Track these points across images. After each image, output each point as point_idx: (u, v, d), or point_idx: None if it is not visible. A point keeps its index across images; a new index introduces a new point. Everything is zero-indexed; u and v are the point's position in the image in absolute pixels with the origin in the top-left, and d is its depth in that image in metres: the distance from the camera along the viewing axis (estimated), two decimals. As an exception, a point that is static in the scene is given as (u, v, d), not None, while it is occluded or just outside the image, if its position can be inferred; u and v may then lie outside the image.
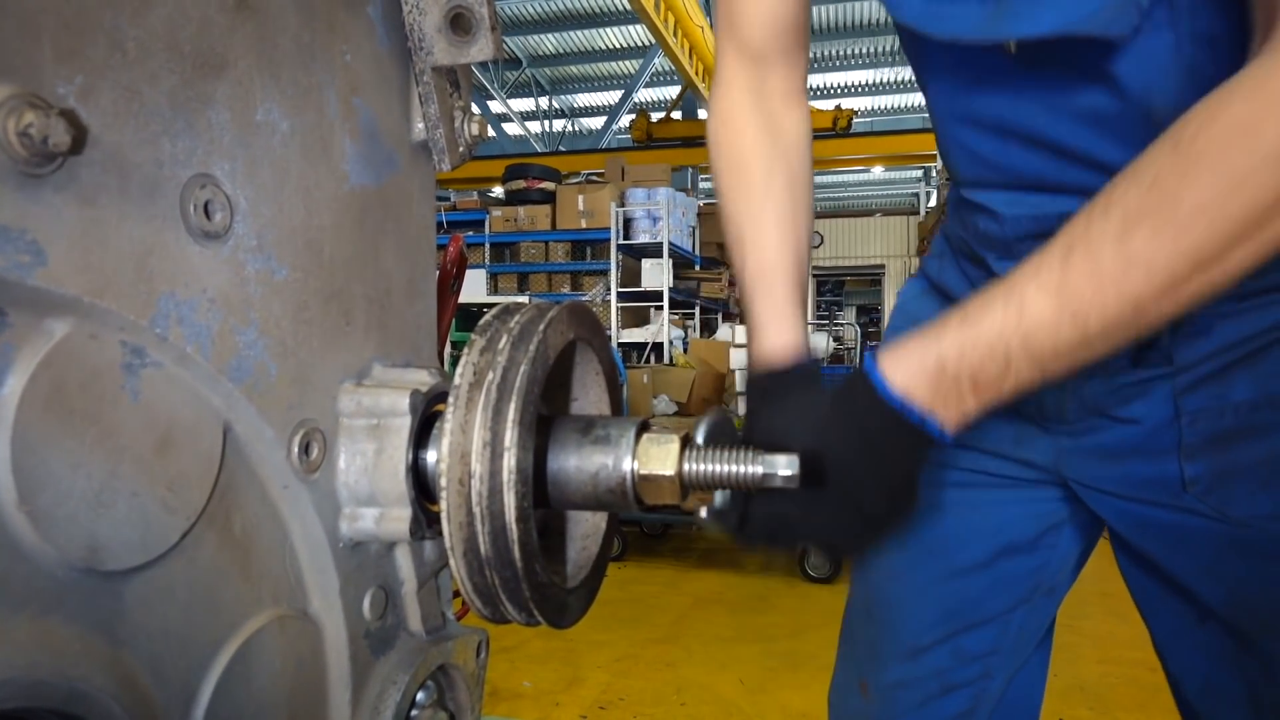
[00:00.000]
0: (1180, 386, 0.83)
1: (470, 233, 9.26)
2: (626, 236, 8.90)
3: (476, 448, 0.55)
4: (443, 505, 0.56)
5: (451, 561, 0.57)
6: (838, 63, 14.65)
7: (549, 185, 9.46)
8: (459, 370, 0.57)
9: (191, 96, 0.48)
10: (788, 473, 0.62)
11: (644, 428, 0.66)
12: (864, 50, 14.24)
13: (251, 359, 0.53)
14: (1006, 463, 0.99)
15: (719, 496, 0.71)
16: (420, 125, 0.70)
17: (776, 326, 0.91)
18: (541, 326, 0.60)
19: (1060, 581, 1.04)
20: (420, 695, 0.69)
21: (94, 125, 0.42)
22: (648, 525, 5.63)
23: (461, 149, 0.72)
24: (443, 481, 0.55)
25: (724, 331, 9.20)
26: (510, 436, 0.55)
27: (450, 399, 0.57)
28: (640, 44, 14.29)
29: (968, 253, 0.96)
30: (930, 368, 0.67)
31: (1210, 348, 0.81)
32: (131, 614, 0.46)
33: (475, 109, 0.75)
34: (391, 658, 0.66)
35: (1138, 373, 0.85)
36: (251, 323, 0.53)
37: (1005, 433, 0.97)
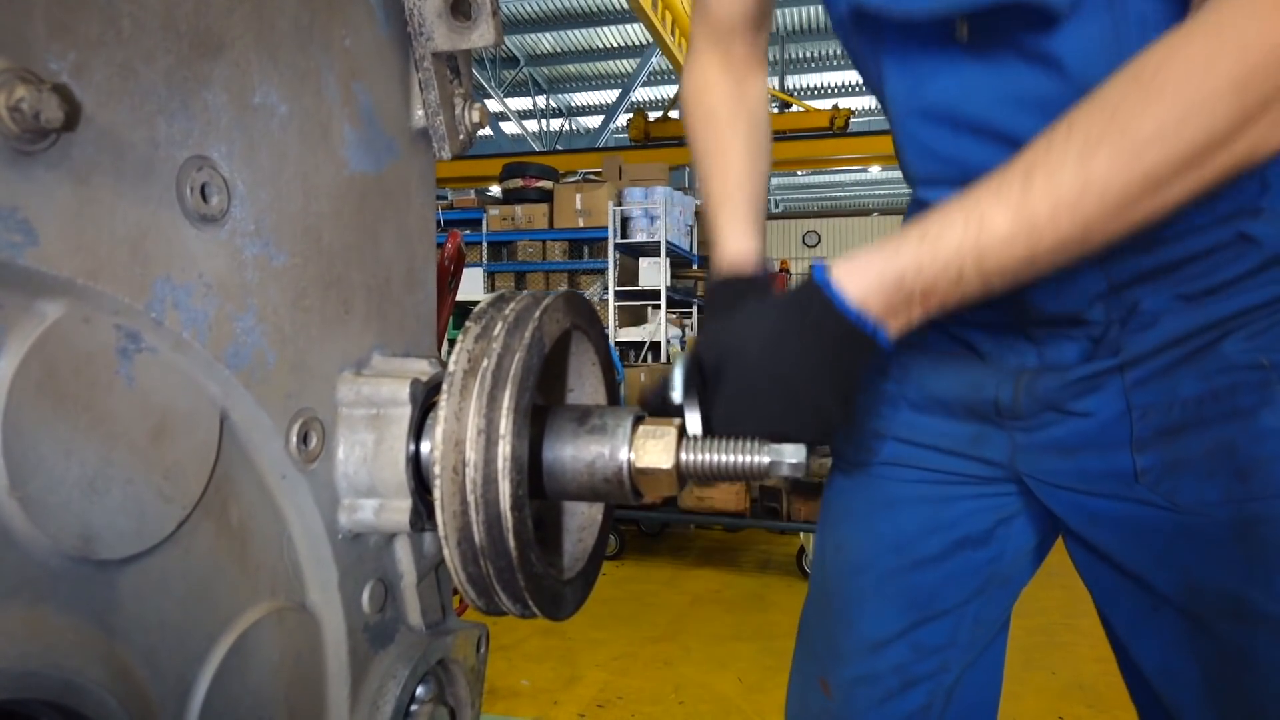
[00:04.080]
0: (1130, 382, 0.87)
1: (467, 232, 9.23)
2: (624, 235, 8.89)
3: (471, 435, 0.54)
4: (436, 493, 0.55)
5: (445, 551, 0.56)
6: (835, 62, 14.64)
7: (546, 184, 9.44)
8: (453, 357, 0.57)
9: (188, 76, 0.47)
10: (794, 460, 0.61)
11: (640, 418, 0.65)
12: (861, 50, 14.22)
13: (249, 346, 0.52)
14: (965, 461, 1.02)
15: (679, 388, 0.71)
16: (420, 112, 0.69)
17: (735, 238, 1.01)
18: (537, 313, 0.59)
19: (1014, 573, 1.07)
20: (420, 690, 0.68)
21: (87, 103, 0.41)
22: (645, 524, 5.63)
23: (462, 136, 0.71)
24: (436, 469, 0.55)
25: (721, 330, 9.16)
26: (505, 424, 0.54)
27: (444, 386, 0.56)
28: (638, 43, 14.27)
29: None
30: (889, 283, 0.71)
31: (1157, 340, 0.85)
32: (126, 605, 0.45)
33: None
34: (391, 652, 0.66)
35: (1090, 365, 0.89)
36: (249, 309, 0.52)
37: (964, 433, 1.01)
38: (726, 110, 1.08)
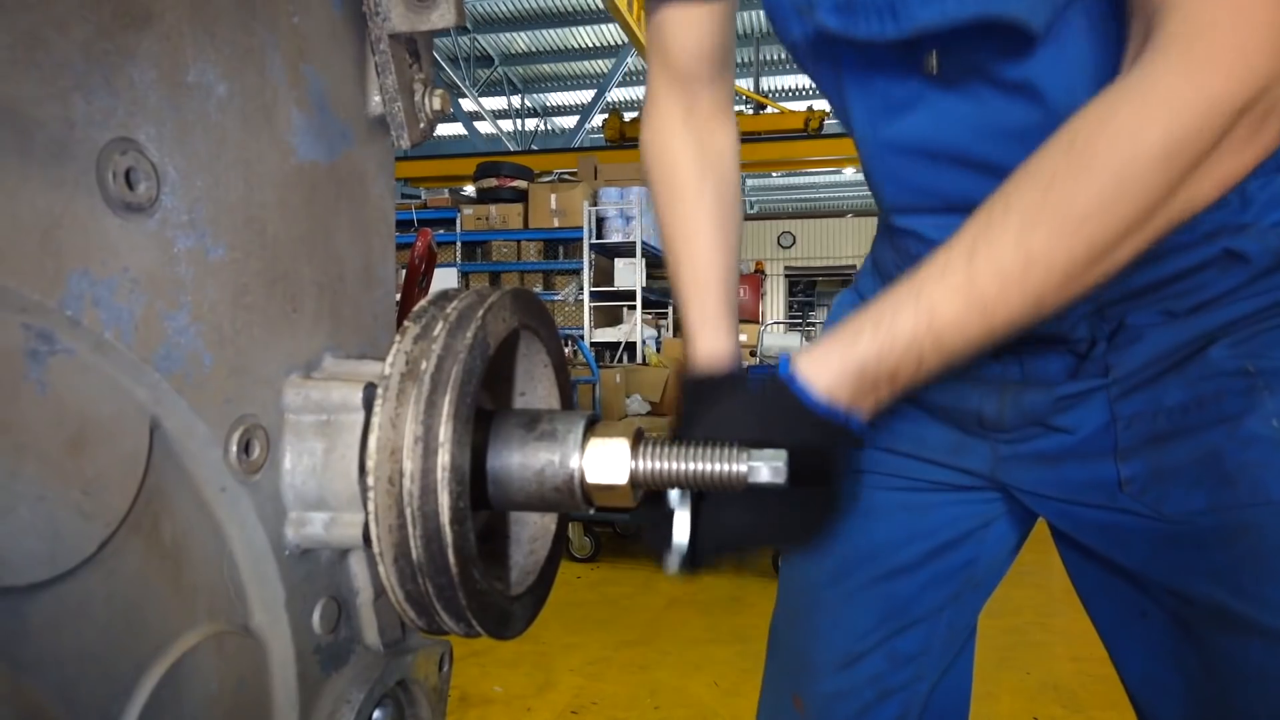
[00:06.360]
0: (1115, 394, 0.86)
1: (441, 231, 9.13)
2: (599, 235, 8.84)
3: (408, 444, 0.50)
4: (370, 506, 0.51)
5: (381, 568, 0.52)
6: (810, 64, 14.70)
7: (521, 183, 9.36)
8: (389, 359, 0.53)
9: (110, 49, 0.42)
10: (775, 465, 0.57)
11: (594, 421, 0.61)
12: (836, 52, 14.30)
13: (182, 347, 0.47)
14: (944, 470, 1.00)
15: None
16: (377, 98, 0.65)
17: (708, 334, 0.97)
18: (481, 312, 0.55)
19: (988, 577, 1.06)
20: (377, 714, 0.64)
21: (-14, 73, 0.36)
22: (621, 525, 5.59)
23: (422, 124, 0.67)
24: (370, 480, 0.51)
25: (697, 331, 9.13)
26: (445, 432, 0.50)
27: (380, 390, 0.52)
28: (613, 43, 14.23)
29: (895, 277, 0.98)
30: (851, 373, 0.70)
31: (1145, 356, 0.84)
32: (38, 636, 0.40)
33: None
34: (345, 673, 0.61)
35: (1079, 384, 0.88)
36: (182, 306, 0.47)
37: (943, 441, 0.99)
38: (692, 175, 1.00)
